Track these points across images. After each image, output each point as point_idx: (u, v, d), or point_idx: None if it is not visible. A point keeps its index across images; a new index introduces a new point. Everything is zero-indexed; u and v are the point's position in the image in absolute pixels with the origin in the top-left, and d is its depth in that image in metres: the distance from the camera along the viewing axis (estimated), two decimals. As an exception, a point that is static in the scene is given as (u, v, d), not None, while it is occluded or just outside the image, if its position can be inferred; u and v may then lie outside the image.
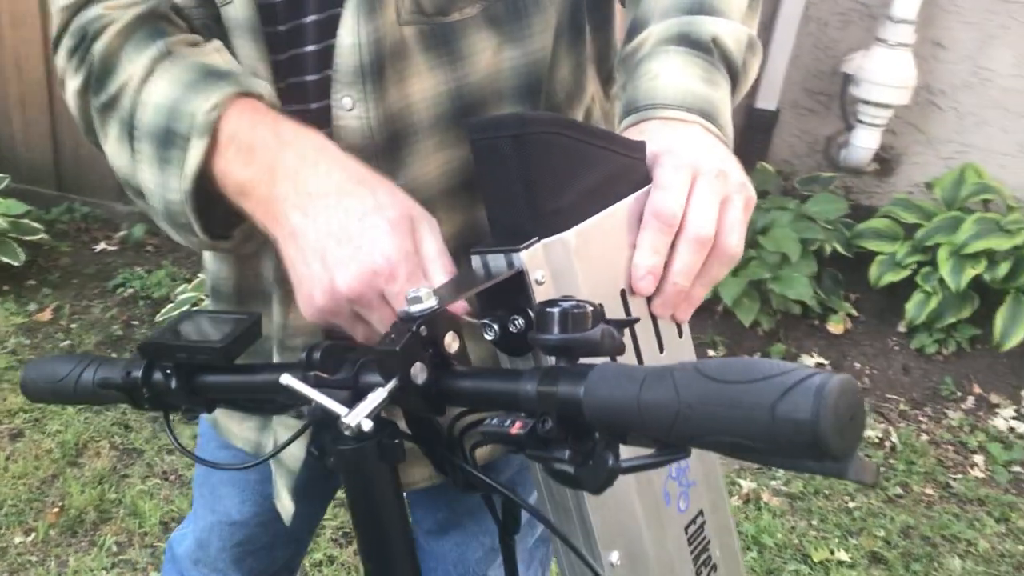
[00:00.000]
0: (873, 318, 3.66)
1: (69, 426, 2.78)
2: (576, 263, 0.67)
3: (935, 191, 3.64)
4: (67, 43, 0.87)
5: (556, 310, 0.58)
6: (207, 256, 1.08)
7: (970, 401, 3.34)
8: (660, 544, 0.75)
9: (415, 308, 0.62)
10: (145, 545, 2.38)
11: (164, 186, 0.80)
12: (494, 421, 0.57)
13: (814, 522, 2.72)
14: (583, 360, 0.57)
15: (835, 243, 3.53)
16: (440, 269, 0.73)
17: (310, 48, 0.86)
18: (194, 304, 3.18)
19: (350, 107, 0.85)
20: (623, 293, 0.71)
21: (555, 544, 0.75)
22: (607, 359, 0.58)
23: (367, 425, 0.59)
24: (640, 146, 0.74)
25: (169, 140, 0.79)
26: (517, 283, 0.66)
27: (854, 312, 3.66)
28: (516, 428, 0.55)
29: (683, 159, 0.72)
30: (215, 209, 0.81)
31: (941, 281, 3.38)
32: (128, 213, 3.96)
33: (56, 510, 2.47)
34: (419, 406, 0.62)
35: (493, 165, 0.67)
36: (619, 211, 0.71)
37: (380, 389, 0.60)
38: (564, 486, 0.60)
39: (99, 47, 0.84)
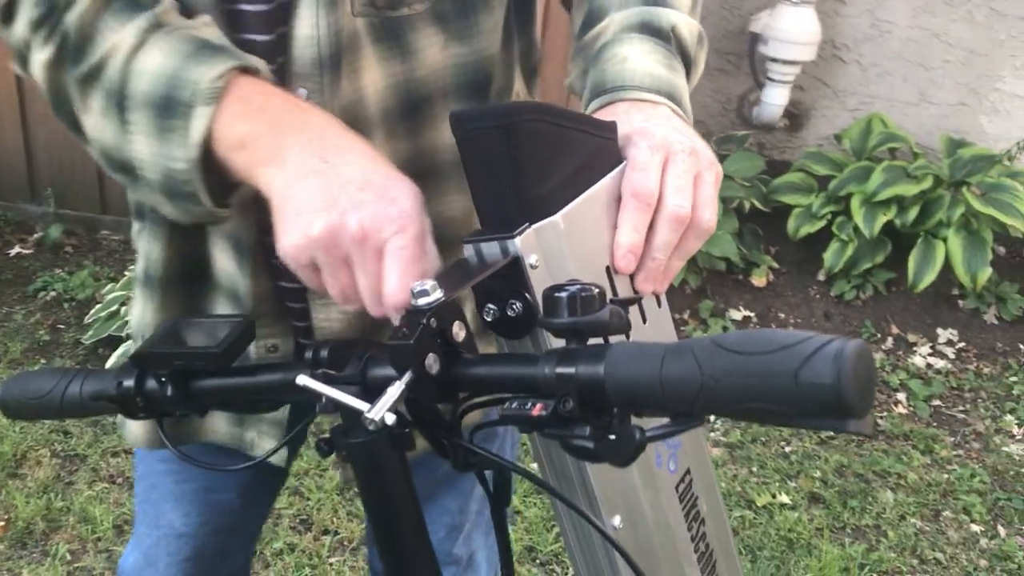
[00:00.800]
0: (793, 269, 3.80)
1: (5, 437, 2.71)
2: (565, 245, 0.70)
3: (844, 142, 3.78)
4: (29, 14, 0.84)
5: (564, 295, 0.61)
6: (141, 237, 1.05)
7: (889, 342, 3.51)
8: (656, 505, 0.79)
9: (423, 301, 0.64)
10: (100, 550, 2.35)
11: (165, 155, 0.78)
12: (514, 404, 0.60)
13: (754, 469, 2.83)
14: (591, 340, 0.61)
15: (753, 199, 3.64)
16: (434, 255, 0.74)
17: (261, 37, 0.86)
18: (122, 303, 3.12)
19: (305, 99, 0.86)
20: (608, 270, 0.75)
21: (559, 512, 0.79)
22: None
23: (391, 419, 0.61)
24: (612, 126, 0.77)
25: (170, 109, 0.77)
26: (512, 269, 0.69)
27: (775, 264, 3.79)
28: (537, 410, 0.58)
29: (655, 139, 0.76)
30: (211, 179, 0.79)
31: (855, 229, 3.52)
32: (43, 214, 3.85)
33: (2, 524, 2.42)
34: (433, 396, 0.65)
35: (480, 155, 0.70)
36: (598, 191, 0.74)
37: (398, 382, 0.62)
38: (585, 461, 0.63)
39: (73, 17, 0.81)
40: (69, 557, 2.33)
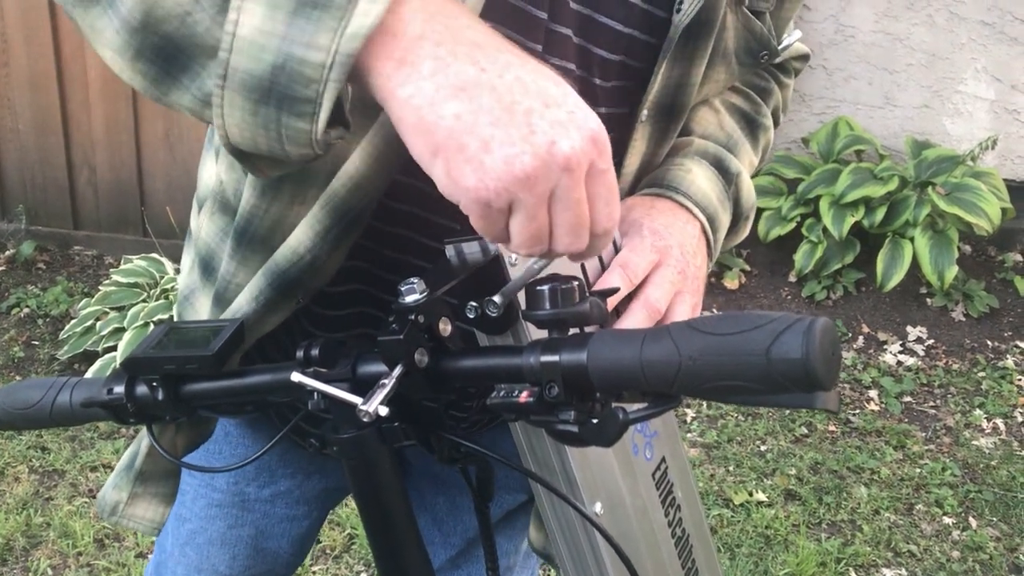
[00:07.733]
0: (765, 271, 3.85)
1: (-19, 455, 2.70)
2: None
3: (811, 146, 3.84)
4: None
5: (546, 288, 0.64)
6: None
7: (860, 341, 3.56)
8: (634, 492, 0.82)
9: (410, 298, 0.67)
10: (81, 565, 2.35)
11: (295, 40, 0.58)
12: (501, 393, 0.63)
13: (731, 468, 2.87)
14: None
15: (724, 203, 3.69)
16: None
17: None
18: (97, 318, 3.11)
19: None
20: (583, 267, 0.78)
21: (543, 503, 0.81)
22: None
23: (384, 411, 0.64)
24: None
25: None
26: (493, 266, 0.72)
27: (747, 267, 3.84)
28: (524, 397, 0.61)
29: (661, 242, 0.81)
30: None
31: (825, 230, 3.58)
32: (14, 231, 3.83)
33: (-19, 541, 2.42)
34: (423, 389, 0.67)
35: None
36: None
37: (391, 375, 0.65)
38: (570, 446, 0.66)
39: None
40: (51, 572, 2.33)
